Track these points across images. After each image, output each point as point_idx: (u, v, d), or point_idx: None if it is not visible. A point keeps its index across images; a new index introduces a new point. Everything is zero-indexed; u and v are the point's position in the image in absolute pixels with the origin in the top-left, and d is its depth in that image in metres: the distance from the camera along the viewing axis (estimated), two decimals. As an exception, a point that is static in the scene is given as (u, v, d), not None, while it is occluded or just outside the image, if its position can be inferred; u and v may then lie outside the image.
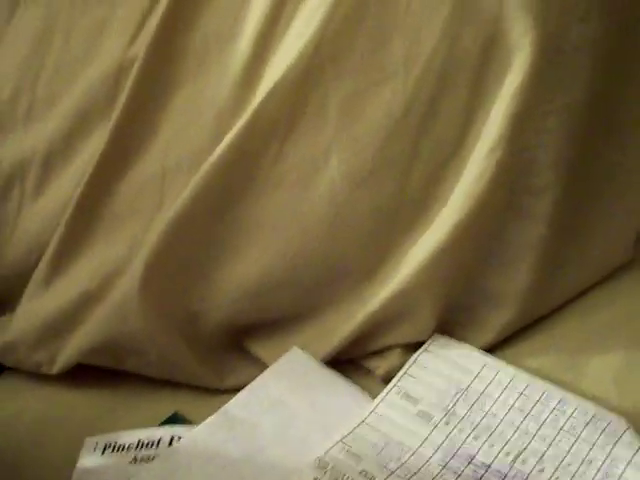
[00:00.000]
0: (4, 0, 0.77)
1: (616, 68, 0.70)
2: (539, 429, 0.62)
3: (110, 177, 0.73)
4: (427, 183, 0.69)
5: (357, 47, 0.68)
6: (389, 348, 0.71)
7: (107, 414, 0.71)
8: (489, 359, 0.68)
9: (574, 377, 0.67)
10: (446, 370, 0.68)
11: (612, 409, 0.63)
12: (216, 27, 0.72)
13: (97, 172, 0.72)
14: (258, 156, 0.69)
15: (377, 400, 0.66)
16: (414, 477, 0.60)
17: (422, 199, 0.70)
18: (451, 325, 0.71)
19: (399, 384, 0.67)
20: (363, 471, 0.60)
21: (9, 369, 0.76)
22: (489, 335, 0.71)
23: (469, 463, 0.61)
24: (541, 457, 0.61)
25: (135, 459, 0.65)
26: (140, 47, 0.73)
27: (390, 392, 0.67)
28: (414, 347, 0.70)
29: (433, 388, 0.67)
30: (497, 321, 0.71)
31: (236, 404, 0.67)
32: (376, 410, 0.65)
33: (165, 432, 0.67)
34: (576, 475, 0.59)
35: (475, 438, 0.63)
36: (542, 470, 0.60)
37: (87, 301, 0.72)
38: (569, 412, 0.63)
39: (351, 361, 0.71)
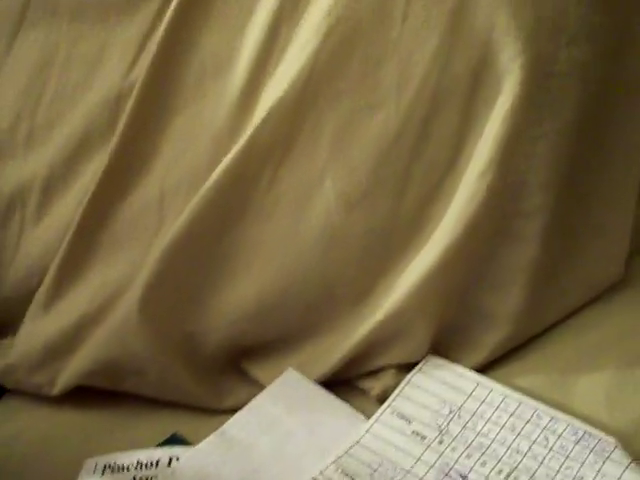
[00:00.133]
0: (3, 31, 0.77)
1: (605, 91, 0.71)
2: (530, 448, 0.63)
3: (110, 201, 0.73)
4: (420, 204, 0.70)
5: (350, 72, 0.69)
6: (383, 369, 0.71)
7: (106, 435, 0.71)
8: (481, 379, 0.68)
9: (565, 396, 0.67)
10: (439, 390, 0.68)
11: (603, 428, 0.63)
12: (213, 52, 0.73)
13: (97, 196, 0.73)
14: (254, 180, 0.70)
15: (371, 420, 0.67)
16: (407, 496, 0.61)
17: (415, 220, 0.70)
18: (444, 345, 0.71)
19: (393, 404, 0.68)
20: (357, 490, 0.61)
21: (9, 391, 0.76)
22: (482, 355, 0.71)
23: (461, 482, 0.62)
24: (532, 475, 0.61)
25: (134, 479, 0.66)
26: (139, 72, 0.73)
27: (384, 412, 0.67)
28: (408, 367, 0.70)
29: (427, 408, 0.67)
30: (490, 341, 0.71)
31: (234, 424, 0.68)
32: (370, 430, 0.66)
33: (164, 453, 0.67)
34: (566, 493, 0.60)
35: (468, 457, 0.63)
36: (533, 488, 0.61)
37: (87, 323, 0.72)
38: (559, 431, 0.63)
39: (346, 382, 0.71)
